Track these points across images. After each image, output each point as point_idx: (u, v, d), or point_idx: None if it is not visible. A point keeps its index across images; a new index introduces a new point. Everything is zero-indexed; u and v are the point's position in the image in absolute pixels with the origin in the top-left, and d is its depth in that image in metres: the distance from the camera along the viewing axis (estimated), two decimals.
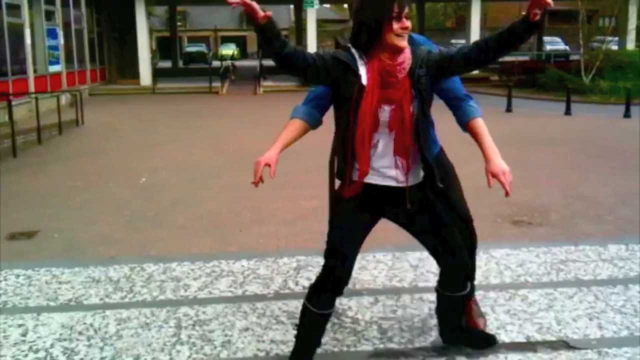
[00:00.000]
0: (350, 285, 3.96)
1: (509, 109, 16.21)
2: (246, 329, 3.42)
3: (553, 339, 3.27)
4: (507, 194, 2.66)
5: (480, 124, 2.95)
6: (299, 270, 4.25)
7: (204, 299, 3.85)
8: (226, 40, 59.28)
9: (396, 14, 2.54)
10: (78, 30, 23.11)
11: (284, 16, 59.52)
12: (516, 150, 9.19)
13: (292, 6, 43.56)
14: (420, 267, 4.29)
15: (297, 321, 3.01)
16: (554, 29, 37.92)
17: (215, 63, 32.90)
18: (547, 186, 7.32)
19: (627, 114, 14.60)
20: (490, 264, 4.34)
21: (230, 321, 3.51)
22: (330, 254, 2.81)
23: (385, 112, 2.62)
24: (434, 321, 3.44)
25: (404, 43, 2.60)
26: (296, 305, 3.67)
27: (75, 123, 14.26)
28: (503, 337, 3.28)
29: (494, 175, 2.70)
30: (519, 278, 4.12)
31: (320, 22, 55.53)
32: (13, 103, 13.51)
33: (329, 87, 2.72)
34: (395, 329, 3.39)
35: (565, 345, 3.21)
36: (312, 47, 26.45)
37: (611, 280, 4.02)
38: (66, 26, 21.36)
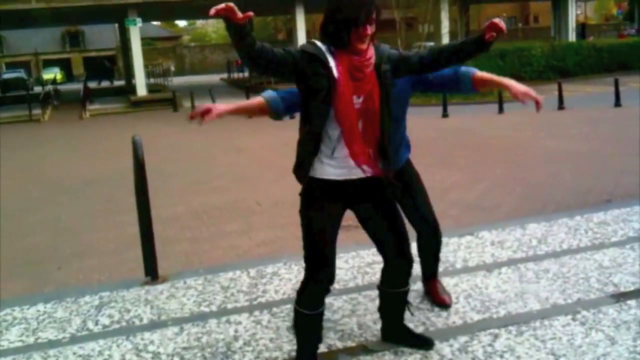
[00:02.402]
0: (155, 317, 3.84)
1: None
2: None
3: (353, 344, 3.31)
4: (539, 106, 2.90)
5: (482, 72, 3.15)
6: (101, 308, 3.99)
7: None
8: (49, 63, 55.93)
9: (367, 20, 2.65)
10: None
11: (109, 36, 57.43)
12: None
13: (116, 25, 42.05)
14: (232, 287, 4.21)
15: None
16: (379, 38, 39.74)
17: (38, 88, 30.97)
18: None
19: (445, 114, 15.55)
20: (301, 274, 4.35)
21: None
22: (313, 259, 2.87)
23: (356, 104, 2.73)
24: (238, 344, 3.38)
25: (364, 46, 2.71)
26: (92, 347, 3.44)
27: None
28: None
29: (524, 95, 2.93)
30: None
31: (149, 40, 54.48)
32: None
33: (297, 81, 2.74)
34: (198, 358, 3.27)
35: (364, 349, 3.27)
36: (138, 66, 25.72)
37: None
38: None
